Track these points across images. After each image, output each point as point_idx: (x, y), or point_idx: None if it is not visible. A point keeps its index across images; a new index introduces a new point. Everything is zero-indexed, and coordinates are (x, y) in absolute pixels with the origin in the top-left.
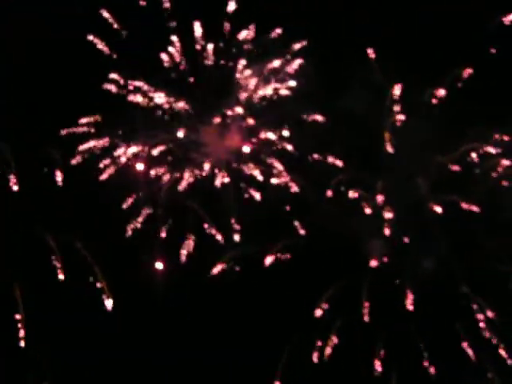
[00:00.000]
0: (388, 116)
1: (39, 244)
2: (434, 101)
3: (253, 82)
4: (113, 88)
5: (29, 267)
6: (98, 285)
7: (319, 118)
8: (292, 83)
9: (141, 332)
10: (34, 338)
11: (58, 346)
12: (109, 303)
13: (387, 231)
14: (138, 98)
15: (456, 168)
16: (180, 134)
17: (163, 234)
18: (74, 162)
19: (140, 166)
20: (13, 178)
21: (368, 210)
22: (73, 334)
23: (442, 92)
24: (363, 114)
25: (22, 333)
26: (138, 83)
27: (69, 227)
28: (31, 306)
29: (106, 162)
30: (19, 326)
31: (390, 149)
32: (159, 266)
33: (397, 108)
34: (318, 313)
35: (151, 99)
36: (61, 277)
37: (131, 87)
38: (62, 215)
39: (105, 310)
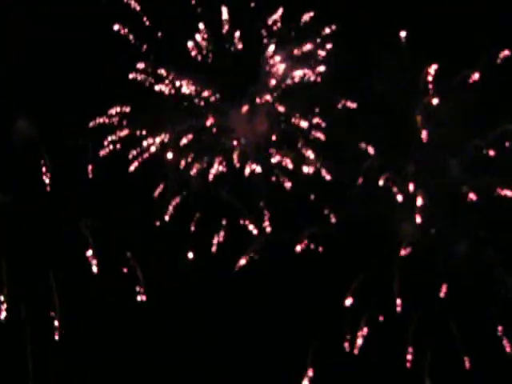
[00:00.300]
0: (420, 99)
1: (72, 236)
2: (469, 83)
3: (282, 68)
4: (140, 77)
5: (61, 259)
6: (132, 276)
7: (350, 103)
8: (322, 68)
9: (173, 325)
10: (67, 331)
11: (91, 338)
12: (142, 295)
13: (419, 218)
14: (166, 87)
15: (491, 153)
16: (208, 122)
17: (194, 224)
18: (102, 152)
19: (169, 156)
20: (44, 171)
21: (400, 197)
22: (106, 326)
23: (476, 75)
24: (395, 98)
25: (56, 323)
26: (165, 72)
27: (99, 219)
28: (65, 298)
29: (135, 152)
30: (54, 316)
31: (422, 133)
32: (190, 255)
33: (430, 91)
34: (348, 302)
35: (179, 87)
36: (94, 269)
37: (158, 76)
38: (93, 207)
39: (137, 302)
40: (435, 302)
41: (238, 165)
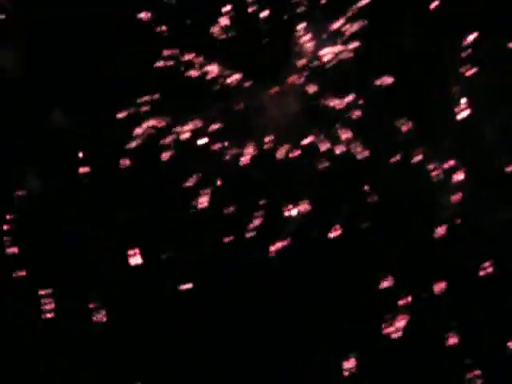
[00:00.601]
0: (457, 70)
1: (108, 227)
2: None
3: (312, 47)
4: (166, 64)
5: (97, 251)
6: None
7: (385, 79)
8: (354, 45)
9: (209, 313)
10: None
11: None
12: (186, 284)
13: (457, 194)
14: (193, 73)
15: None
16: (238, 106)
17: (230, 210)
18: (134, 143)
19: (201, 142)
20: (80, 162)
21: (437, 172)
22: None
23: None
24: (430, 70)
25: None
26: (192, 57)
27: (134, 210)
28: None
29: (167, 140)
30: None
31: (460, 105)
32: (225, 240)
33: (466, 60)
34: (385, 283)
35: (206, 73)
36: (135, 261)
37: (185, 62)
38: (128, 198)
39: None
40: (475, 281)
41: (270, 147)
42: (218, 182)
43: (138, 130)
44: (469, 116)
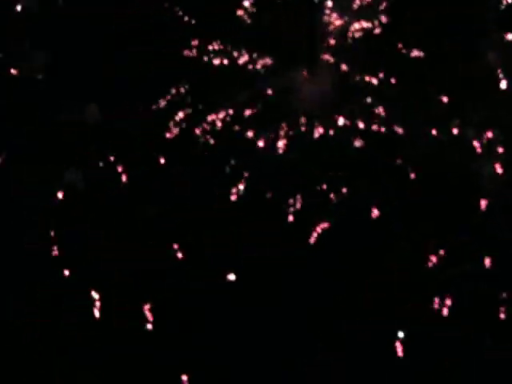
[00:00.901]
0: (493, 36)
1: (148, 220)
2: None
3: (340, 24)
4: (194, 54)
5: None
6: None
7: (418, 53)
8: (384, 19)
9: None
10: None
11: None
12: (231, 275)
13: (499, 167)
14: (222, 60)
15: None
16: (270, 90)
17: (268, 195)
18: (168, 135)
19: (235, 129)
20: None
21: (477, 144)
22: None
23: None
24: (465, 41)
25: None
26: (219, 45)
27: (175, 199)
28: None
29: (200, 130)
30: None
31: (497, 73)
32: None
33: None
34: (433, 260)
35: (235, 59)
36: (179, 255)
37: (213, 50)
38: (165, 191)
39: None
40: None
41: (305, 129)
42: (253, 170)
43: (171, 122)
44: (508, 84)
